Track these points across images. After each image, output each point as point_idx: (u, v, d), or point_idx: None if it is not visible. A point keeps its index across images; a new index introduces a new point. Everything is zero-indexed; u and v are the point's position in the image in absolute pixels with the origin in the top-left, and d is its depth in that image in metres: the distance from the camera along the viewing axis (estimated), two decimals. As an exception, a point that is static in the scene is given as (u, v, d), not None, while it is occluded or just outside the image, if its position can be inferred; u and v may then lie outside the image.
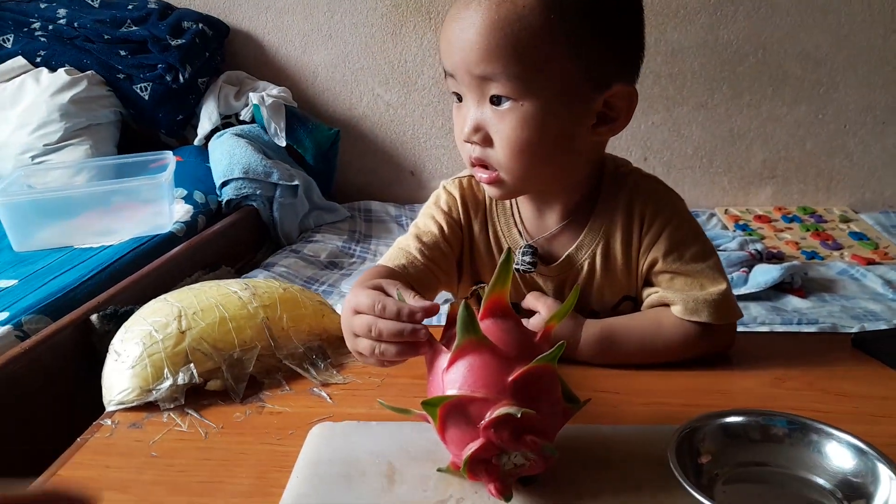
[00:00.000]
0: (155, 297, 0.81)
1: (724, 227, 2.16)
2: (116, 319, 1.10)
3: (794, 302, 1.63)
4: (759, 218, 2.21)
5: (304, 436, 0.63)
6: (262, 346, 0.75)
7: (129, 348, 0.73)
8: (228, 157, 1.92)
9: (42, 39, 2.07)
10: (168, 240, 1.58)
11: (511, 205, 0.81)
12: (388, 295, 0.60)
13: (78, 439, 0.65)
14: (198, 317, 0.75)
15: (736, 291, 1.57)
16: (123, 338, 0.75)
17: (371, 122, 2.35)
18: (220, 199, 1.90)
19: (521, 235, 0.80)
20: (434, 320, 0.60)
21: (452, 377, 0.53)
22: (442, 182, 0.84)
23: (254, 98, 2.09)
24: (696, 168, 2.30)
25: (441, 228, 0.80)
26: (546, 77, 0.66)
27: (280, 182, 1.95)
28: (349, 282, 1.74)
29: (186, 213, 1.73)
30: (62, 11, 2.10)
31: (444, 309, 0.62)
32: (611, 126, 0.71)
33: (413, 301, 0.58)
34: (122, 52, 2.06)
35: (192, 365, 0.72)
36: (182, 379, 0.71)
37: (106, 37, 2.05)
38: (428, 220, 0.81)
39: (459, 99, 0.71)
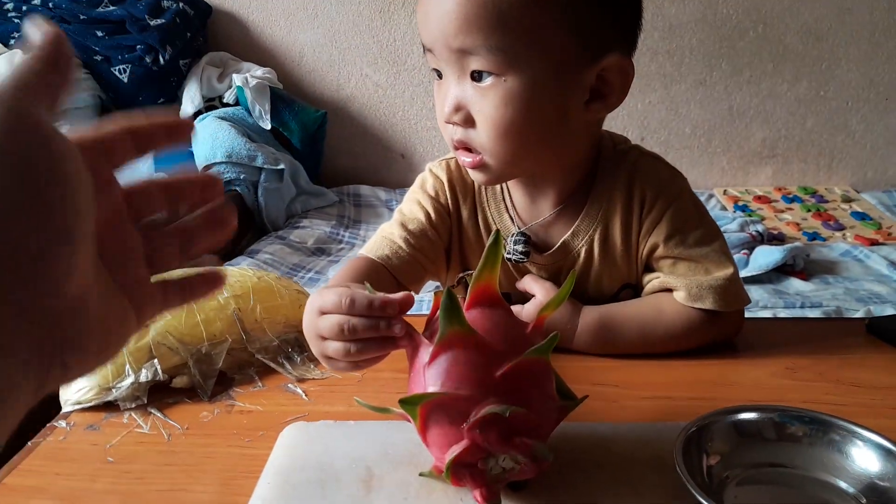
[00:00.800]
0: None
1: (724, 208, 2.11)
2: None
3: (796, 285, 1.59)
4: (758, 199, 2.16)
5: (275, 437, 0.58)
6: (232, 339, 0.70)
7: (87, 343, 0.67)
8: (211, 141, 1.86)
9: (16, 21, 2.00)
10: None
11: (502, 189, 0.75)
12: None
13: (28, 443, 0.60)
14: (163, 308, 0.69)
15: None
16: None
17: (359, 103, 2.28)
18: (203, 184, 1.84)
19: (513, 222, 0.74)
20: (416, 310, 0.54)
21: (434, 373, 0.48)
22: (428, 164, 0.78)
23: (237, 80, 2.03)
24: (694, 148, 2.24)
25: (428, 215, 0.74)
26: (532, 48, 0.59)
27: (265, 166, 1.89)
28: (337, 268, 1.69)
29: (167, 199, 1.67)
30: (37, -9, 2.03)
31: (429, 297, 0.57)
32: (605, 102, 0.64)
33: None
34: (100, 33, 1.98)
35: (155, 361, 0.66)
36: (145, 376, 0.65)
37: (82, 17, 1.98)
38: (413, 205, 0.76)
39: (440, 76, 0.65)
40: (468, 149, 0.65)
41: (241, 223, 1.90)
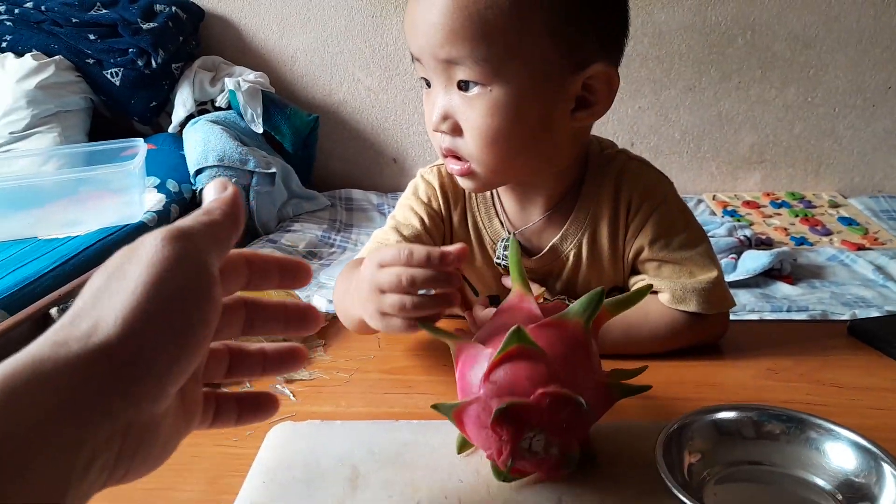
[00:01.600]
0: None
1: (713, 213, 2.13)
2: (77, 313, 1.05)
3: (783, 289, 1.60)
4: (747, 204, 2.17)
5: (263, 437, 0.58)
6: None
7: (76, 344, 0.67)
8: (203, 145, 1.86)
9: (7, 24, 2.00)
10: (138, 230, 1.52)
11: (492, 195, 0.76)
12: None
13: (17, 444, 0.60)
14: (152, 309, 0.70)
15: (725, 278, 1.54)
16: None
17: (351, 107, 2.29)
18: (194, 188, 1.84)
19: (504, 226, 0.75)
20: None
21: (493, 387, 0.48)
22: (420, 170, 0.79)
23: (230, 84, 2.03)
24: (683, 153, 2.26)
25: (422, 221, 0.75)
26: (516, 59, 0.60)
27: (256, 170, 1.89)
28: (328, 272, 1.69)
29: (158, 203, 1.67)
30: (28, -6, 2.03)
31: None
32: (591, 111, 0.65)
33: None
34: (92, 37, 1.98)
35: (144, 361, 0.66)
36: (133, 377, 0.65)
37: (74, 20, 1.98)
38: (407, 212, 0.76)
39: (428, 84, 0.66)
40: (457, 157, 0.66)
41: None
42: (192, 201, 1.81)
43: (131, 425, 0.32)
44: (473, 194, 0.76)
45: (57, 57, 1.96)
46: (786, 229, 2.00)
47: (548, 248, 0.73)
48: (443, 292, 0.53)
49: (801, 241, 1.92)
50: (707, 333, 0.72)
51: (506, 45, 0.59)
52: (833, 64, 2.14)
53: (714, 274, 0.69)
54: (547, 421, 0.47)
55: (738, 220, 2.02)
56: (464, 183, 0.69)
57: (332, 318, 0.78)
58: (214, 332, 0.36)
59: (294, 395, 0.66)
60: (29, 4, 2.01)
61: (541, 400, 0.46)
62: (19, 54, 1.95)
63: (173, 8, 2.06)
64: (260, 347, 0.46)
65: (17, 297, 1.14)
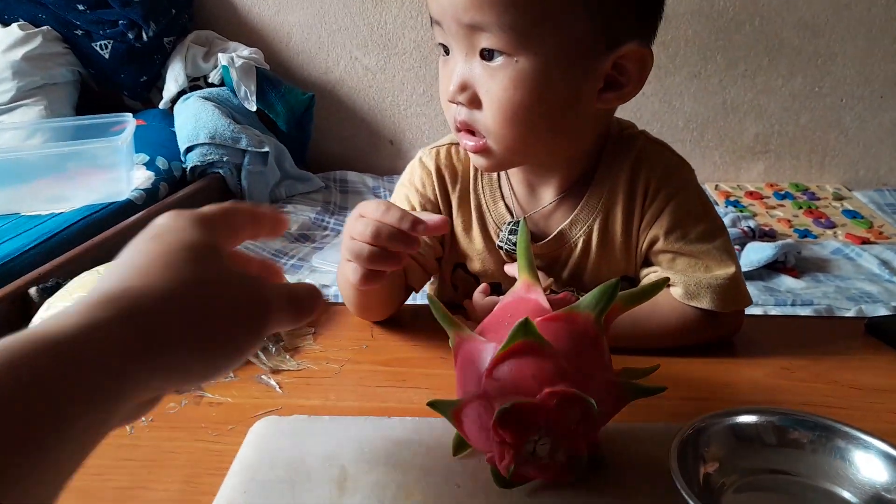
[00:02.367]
0: (101, 269, 0.72)
1: (715, 203, 2.09)
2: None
3: (787, 282, 1.57)
4: (750, 194, 2.14)
5: (245, 431, 0.54)
6: (204, 325, 0.66)
7: (48, 327, 0.63)
8: (194, 122, 1.81)
9: (-5, -7, 1.93)
10: (125, 207, 1.47)
11: (499, 176, 0.72)
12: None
13: (-19, 434, 0.56)
14: (131, 292, 0.66)
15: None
16: (44, 316, 0.66)
17: (348, 87, 2.24)
18: (184, 166, 1.79)
19: (510, 211, 0.70)
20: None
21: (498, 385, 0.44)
22: (419, 151, 0.74)
23: (223, 59, 1.98)
24: (686, 141, 2.22)
25: (413, 210, 0.71)
26: (548, 29, 0.56)
27: (249, 148, 1.84)
28: (322, 255, 1.65)
29: (147, 180, 1.62)
30: (15, -38, 1.96)
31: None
32: (619, 93, 0.61)
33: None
34: (81, 7, 1.92)
35: (120, 347, 0.62)
36: (108, 364, 0.61)
37: (62, -10, 1.92)
38: (402, 201, 0.73)
39: (446, 51, 0.61)
40: (471, 131, 0.61)
41: (224, 207, 1.86)
42: (181, 179, 1.76)
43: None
44: (479, 176, 0.72)
45: (44, 27, 1.90)
46: (789, 221, 1.97)
47: (555, 233, 0.69)
48: (395, 251, 0.56)
49: (805, 234, 1.88)
50: (719, 332, 0.68)
51: (537, 14, 0.55)
52: (842, 53, 2.10)
53: (731, 270, 0.65)
54: (554, 423, 0.43)
55: (742, 211, 1.99)
56: (477, 160, 0.65)
57: (324, 305, 0.74)
58: None
59: (280, 387, 0.62)
60: (17, -27, 1.95)
61: (548, 400, 0.42)
62: (5, 24, 1.89)
63: (165, -21, 2.00)
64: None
65: (-5, 275, 1.10)
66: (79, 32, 1.94)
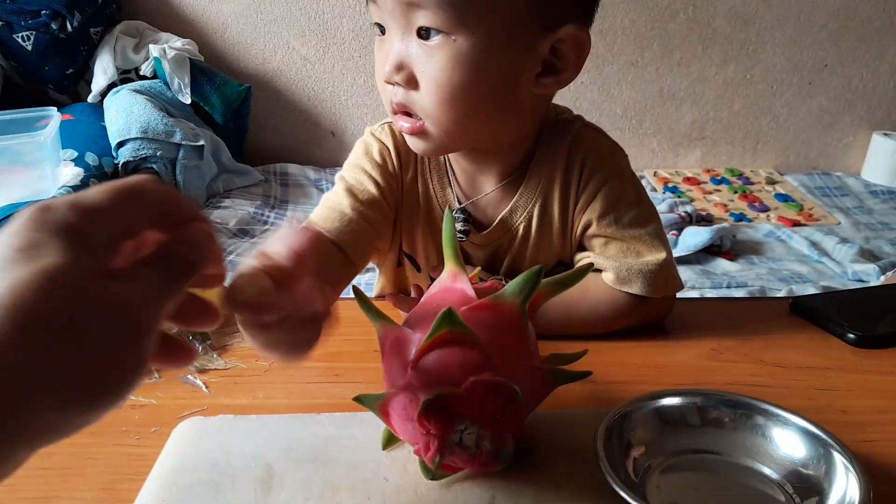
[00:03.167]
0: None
1: (654, 190, 2.14)
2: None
3: (723, 265, 1.61)
4: (687, 180, 2.19)
5: (169, 434, 0.52)
6: (126, 326, 0.64)
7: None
8: (125, 115, 1.75)
9: None
10: (51, 206, 1.41)
11: (446, 161, 0.71)
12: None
13: None
14: (46, 293, 0.63)
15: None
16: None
17: (286, 77, 2.19)
18: (116, 162, 1.73)
19: (456, 197, 0.70)
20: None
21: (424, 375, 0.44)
22: (368, 128, 0.72)
23: (155, 51, 1.91)
24: (625, 129, 2.25)
25: (377, 184, 0.68)
26: (486, 7, 0.55)
27: (183, 142, 1.79)
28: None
29: (75, 177, 1.56)
30: (-73, -52, 1.86)
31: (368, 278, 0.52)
32: (558, 77, 0.61)
33: None
34: (0, -3, 1.83)
35: (35, 351, 0.59)
36: (22, 369, 0.58)
37: (-20, -22, 1.82)
38: (360, 174, 0.69)
39: (382, 31, 0.60)
40: (408, 113, 0.60)
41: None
42: (113, 176, 1.70)
43: None
44: (428, 160, 0.70)
45: (-40, 18, 1.80)
46: (725, 205, 2.02)
47: (497, 221, 0.69)
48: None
49: (740, 218, 1.94)
50: (650, 316, 0.69)
51: None
52: (771, 41, 2.16)
53: (662, 255, 0.66)
54: (479, 412, 0.43)
55: (679, 197, 2.03)
56: (413, 143, 0.63)
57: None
58: None
59: (207, 387, 0.60)
60: (-70, -40, 1.85)
61: (472, 389, 0.42)
62: (-82, 15, 1.79)
63: (91, -33, 1.92)
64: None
65: None
66: (-2, 23, 1.85)
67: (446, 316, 0.43)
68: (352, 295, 0.56)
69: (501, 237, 0.70)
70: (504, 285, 0.48)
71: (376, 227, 0.68)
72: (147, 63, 1.94)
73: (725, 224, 1.81)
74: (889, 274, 1.23)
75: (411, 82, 0.58)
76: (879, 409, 0.58)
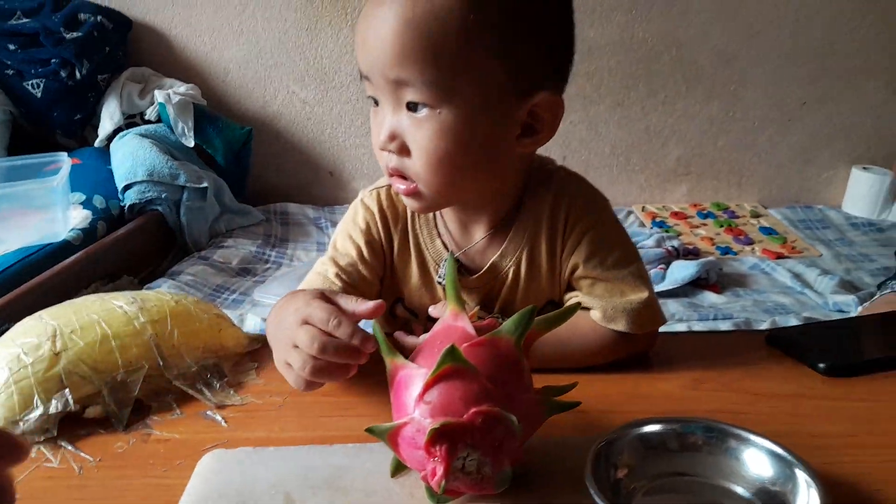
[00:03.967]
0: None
1: (642, 225, 2.19)
2: (-5, 338, 1.00)
3: (710, 297, 1.66)
4: (675, 214, 2.25)
5: (194, 465, 0.57)
6: (149, 365, 0.68)
7: (-8, 374, 0.64)
8: (131, 159, 1.81)
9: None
10: (62, 248, 1.46)
11: (434, 215, 0.77)
12: (342, 311, 0.58)
13: (-73, 483, 0.57)
14: (76, 335, 0.67)
15: (654, 289, 1.59)
16: (-13, 363, 0.66)
17: (286, 120, 2.27)
18: (122, 204, 1.78)
19: (446, 247, 0.76)
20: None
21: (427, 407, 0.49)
22: (360, 193, 0.79)
23: (159, 96, 1.98)
24: (613, 166, 2.32)
25: (359, 250, 0.75)
26: (466, 83, 0.61)
27: (188, 185, 1.85)
28: (263, 290, 1.66)
29: (84, 220, 1.61)
30: (-59, 1, 1.94)
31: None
32: (536, 138, 0.67)
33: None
34: (11, 46, 1.90)
35: (67, 390, 0.64)
36: (55, 407, 0.63)
37: (-8, 29, 1.90)
38: (346, 241, 0.76)
39: (376, 103, 0.66)
40: (403, 176, 0.66)
41: (162, 244, 1.85)
42: (119, 218, 1.75)
43: None
44: (416, 215, 0.76)
45: (-28, 68, 1.87)
46: (712, 239, 2.08)
47: (487, 266, 0.74)
48: (345, 364, 0.57)
49: (726, 251, 2.00)
50: (635, 349, 0.74)
51: (455, 69, 0.60)
52: (752, 80, 2.24)
53: (644, 295, 0.72)
54: (480, 440, 0.47)
55: (667, 231, 2.09)
56: (409, 203, 0.69)
57: (265, 340, 0.77)
58: None
59: (225, 422, 0.65)
60: (-58, 12, 1.92)
61: (474, 419, 0.47)
62: (-69, 65, 1.85)
63: (99, 17, 1.99)
64: None
65: (-73, 323, 1.08)
66: (10, 72, 1.91)
67: (449, 352, 0.48)
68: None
69: (493, 281, 0.75)
70: (501, 323, 0.54)
71: (358, 289, 0.74)
72: (152, 108, 2.01)
73: (712, 258, 1.87)
74: (867, 304, 1.28)
75: (403, 150, 0.64)
76: (846, 433, 0.62)
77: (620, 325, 0.71)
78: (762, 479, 0.51)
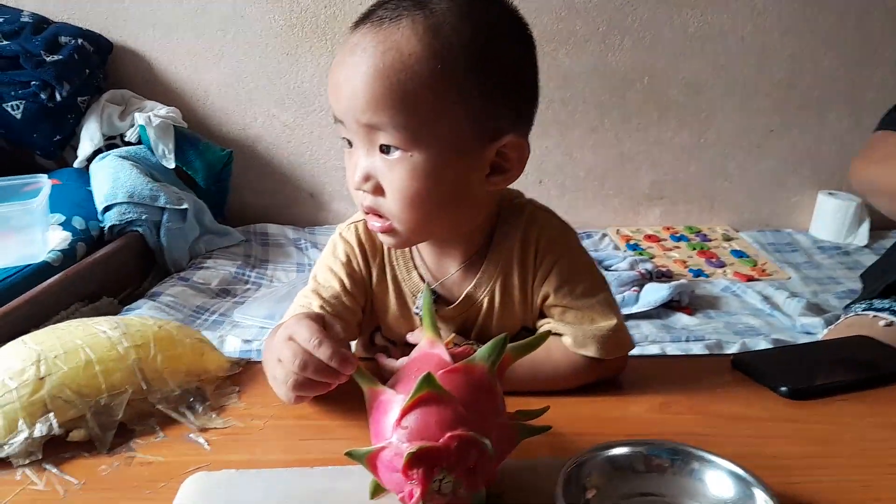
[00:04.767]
0: (24, 333, 0.74)
1: (616, 247, 2.24)
2: (-26, 361, 1.00)
3: (682, 319, 1.70)
4: (648, 237, 2.30)
5: (177, 488, 0.58)
6: (133, 389, 0.70)
7: (-23, 399, 0.65)
8: (112, 181, 1.82)
9: None
10: (41, 270, 1.46)
11: (410, 249, 0.79)
12: (326, 332, 0.61)
13: (-89, 508, 0.58)
14: (60, 361, 0.69)
15: (627, 310, 1.63)
16: (-29, 388, 0.67)
17: (267, 142, 2.29)
18: (102, 226, 1.79)
19: (422, 279, 0.78)
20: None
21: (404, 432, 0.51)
22: (338, 227, 0.81)
23: (140, 118, 1.99)
24: (588, 190, 2.37)
25: (342, 282, 0.77)
26: (435, 128, 0.64)
27: (168, 206, 1.86)
28: (242, 310, 1.67)
29: (63, 241, 1.61)
30: (-78, 23, 1.94)
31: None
32: (504, 176, 0.70)
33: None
34: (-10, 69, 1.90)
35: (51, 414, 0.65)
36: (39, 431, 0.64)
37: (-29, 52, 1.90)
38: (327, 273, 0.78)
39: (350, 144, 0.69)
40: (378, 214, 0.69)
41: (142, 265, 1.85)
42: (99, 239, 1.76)
43: None
44: (392, 249, 0.79)
45: (-49, 90, 1.87)
46: (684, 262, 2.13)
47: (463, 296, 0.77)
48: (325, 381, 0.61)
49: (699, 273, 2.04)
50: (605, 373, 0.77)
51: (425, 114, 0.63)
52: (722, 109, 2.31)
53: (613, 322, 0.74)
54: (455, 463, 0.50)
55: (641, 254, 2.13)
56: (384, 239, 0.72)
57: (246, 364, 0.78)
58: None
59: (208, 444, 0.66)
60: (-78, 33, 1.92)
61: (449, 443, 0.49)
62: None
63: (79, 40, 2.00)
64: None
65: None
66: (-11, 94, 1.91)
67: (426, 379, 0.50)
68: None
69: (469, 310, 0.78)
70: (475, 350, 0.56)
71: (343, 319, 0.76)
72: (132, 130, 2.02)
73: (684, 280, 1.91)
74: (831, 327, 1.32)
75: (377, 190, 0.67)
76: (806, 454, 0.65)
77: (591, 351, 0.73)
78: (724, 500, 0.53)
